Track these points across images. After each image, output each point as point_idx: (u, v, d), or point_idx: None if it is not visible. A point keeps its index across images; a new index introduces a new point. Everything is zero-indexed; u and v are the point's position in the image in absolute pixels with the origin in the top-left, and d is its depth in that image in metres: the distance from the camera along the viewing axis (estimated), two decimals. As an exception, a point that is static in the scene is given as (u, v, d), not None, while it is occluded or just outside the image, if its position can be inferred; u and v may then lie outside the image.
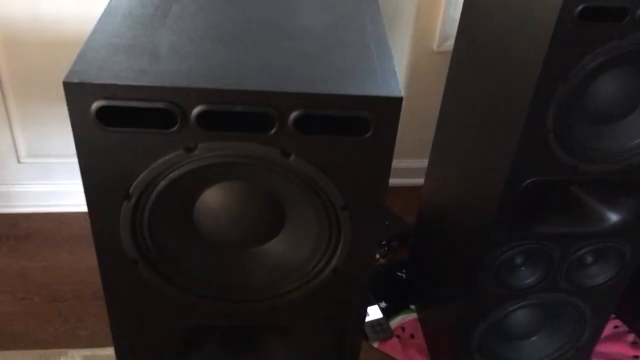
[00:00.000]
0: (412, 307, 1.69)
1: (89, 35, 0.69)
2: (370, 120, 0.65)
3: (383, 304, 1.69)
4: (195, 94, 0.63)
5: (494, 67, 1.19)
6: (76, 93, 0.62)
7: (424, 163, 1.62)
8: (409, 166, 1.82)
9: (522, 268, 1.30)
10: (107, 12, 0.75)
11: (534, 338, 1.45)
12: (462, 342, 1.40)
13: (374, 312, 1.65)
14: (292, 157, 0.68)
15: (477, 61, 1.28)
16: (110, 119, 0.65)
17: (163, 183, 0.69)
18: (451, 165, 1.45)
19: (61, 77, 0.62)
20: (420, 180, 1.67)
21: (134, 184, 0.69)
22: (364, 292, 0.83)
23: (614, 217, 1.24)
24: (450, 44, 1.44)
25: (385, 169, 0.70)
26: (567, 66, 0.98)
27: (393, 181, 2.15)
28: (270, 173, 0.70)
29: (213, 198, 0.74)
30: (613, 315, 1.70)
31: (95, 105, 0.63)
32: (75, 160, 0.67)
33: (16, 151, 1.77)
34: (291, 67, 0.68)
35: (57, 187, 1.77)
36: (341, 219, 0.74)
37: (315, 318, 0.84)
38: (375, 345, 1.59)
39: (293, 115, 0.64)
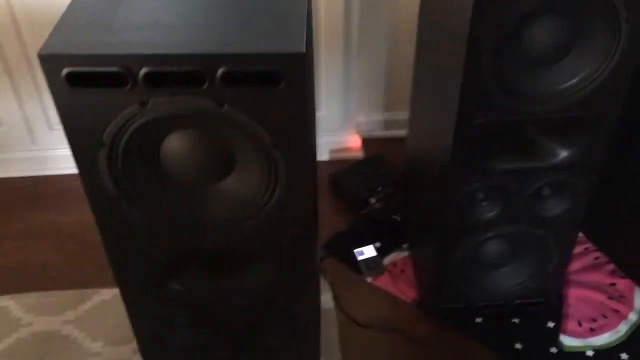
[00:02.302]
0: (405, 246, 1.84)
1: (60, 17, 0.86)
2: (280, 73, 0.80)
3: (378, 244, 1.85)
4: (140, 58, 0.80)
5: (444, 21, 1.31)
6: (48, 62, 0.80)
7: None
8: (404, 118, 1.96)
9: (485, 202, 1.43)
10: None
11: (506, 267, 1.59)
12: (441, 271, 1.56)
13: (368, 251, 1.82)
14: (225, 107, 0.84)
15: (432, 21, 1.40)
16: (83, 82, 0.82)
17: (128, 132, 0.87)
18: (423, 115, 1.58)
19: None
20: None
21: (105, 134, 0.87)
22: (308, 220, 0.99)
23: (563, 153, 1.36)
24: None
25: (303, 113, 0.85)
26: (498, 12, 1.10)
27: (390, 132, 2.30)
28: (213, 122, 0.87)
29: (173, 144, 0.91)
30: (595, 247, 1.82)
31: (64, 71, 0.80)
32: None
33: (47, 120, 1.99)
34: (218, 33, 0.84)
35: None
36: (275, 157, 0.90)
37: (269, 243, 1.01)
38: (369, 280, 1.76)
39: (219, 72, 0.80)
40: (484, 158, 1.35)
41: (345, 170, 2.02)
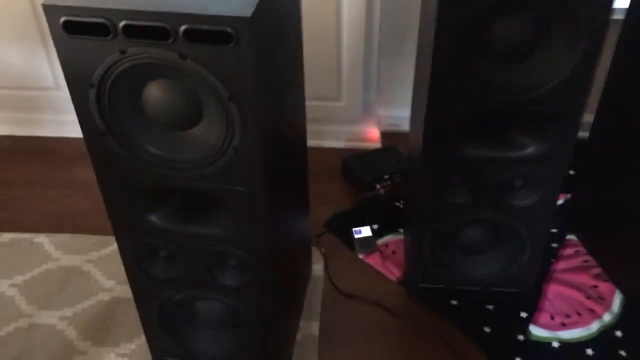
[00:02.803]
0: (400, 230, 1.96)
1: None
2: (230, 34, 0.96)
3: (375, 226, 1.98)
4: (119, 13, 0.97)
5: (427, 14, 1.43)
6: (49, 11, 0.99)
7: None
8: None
9: (458, 187, 1.53)
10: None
11: (483, 255, 1.68)
12: (417, 250, 1.67)
13: (365, 231, 1.95)
14: (188, 60, 1.01)
15: (423, 15, 1.52)
16: (77, 30, 1.01)
17: (112, 76, 1.05)
18: (416, 107, 1.70)
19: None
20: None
21: (94, 76, 1.06)
22: (260, 166, 1.14)
23: (533, 146, 1.44)
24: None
25: (254, 71, 1.00)
26: (465, 4, 1.22)
27: (404, 128, 2.41)
28: (179, 73, 1.04)
29: (151, 92, 1.09)
30: (586, 251, 1.87)
31: (62, 19, 0.99)
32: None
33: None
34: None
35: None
36: (230, 109, 1.06)
37: (230, 184, 1.17)
38: (361, 256, 1.89)
39: (181, 29, 0.97)
40: (456, 144, 1.46)
41: (357, 157, 2.16)
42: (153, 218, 1.28)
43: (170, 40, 0.99)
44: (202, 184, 1.18)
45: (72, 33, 1.01)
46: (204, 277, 1.35)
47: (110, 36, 1.00)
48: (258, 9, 0.99)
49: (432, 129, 1.42)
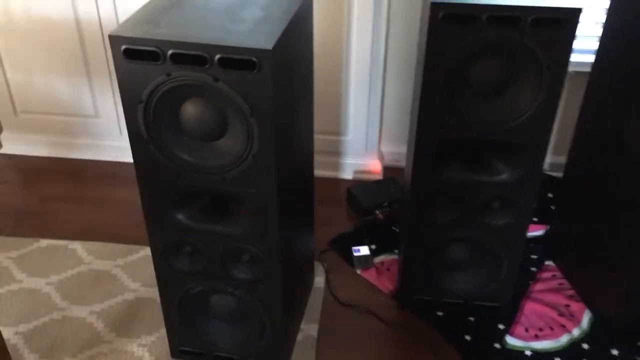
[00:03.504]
0: (396, 251, 2.18)
1: (131, 15, 1.34)
2: (255, 62, 1.22)
3: (373, 246, 2.20)
4: (168, 43, 1.24)
5: (419, 56, 1.69)
6: (113, 40, 1.26)
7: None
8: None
9: (442, 207, 1.76)
10: (149, 1, 1.40)
11: (466, 271, 1.89)
12: (407, 265, 1.89)
13: (364, 250, 2.17)
14: (220, 82, 1.27)
15: (417, 67, 1.78)
16: (134, 56, 1.27)
17: (159, 94, 1.31)
18: (409, 141, 1.94)
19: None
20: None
21: (143, 93, 1.32)
22: (272, 172, 1.38)
23: (507, 172, 1.67)
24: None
25: (270, 92, 1.26)
26: (443, 52, 1.48)
27: (403, 163, 2.64)
28: (212, 93, 1.29)
29: (188, 108, 1.35)
30: (562, 275, 2.08)
31: (122, 47, 1.26)
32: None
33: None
34: (220, 32, 1.27)
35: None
36: (251, 123, 1.31)
37: (248, 187, 1.41)
38: (358, 272, 2.11)
39: (216, 57, 1.23)
40: (441, 169, 1.69)
41: (361, 186, 2.40)
42: (180, 217, 1.52)
43: (207, 66, 1.25)
44: (224, 186, 1.43)
45: (130, 58, 1.28)
46: (221, 271, 1.58)
47: (160, 61, 1.27)
48: (278, 43, 1.25)
49: (421, 156, 1.66)
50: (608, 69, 1.81)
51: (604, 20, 1.83)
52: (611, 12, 1.78)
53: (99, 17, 2.35)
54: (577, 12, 1.41)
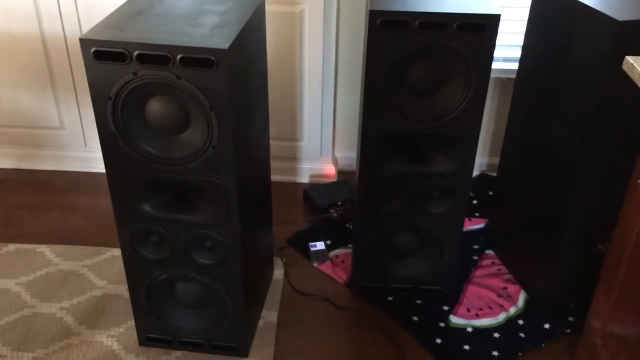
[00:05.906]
0: (350, 245, 2.34)
1: (99, 22, 1.49)
2: (213, 61, 1.38)
3: (329, 242, 2.35)
4: (134, 45, 1.39)
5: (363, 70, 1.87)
6: (84, 43, 1.40)
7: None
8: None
9: (388, 198, 1.93)
10: (115, 11, 1.55)
11: (412, 258, 2.06)
12: (358, 254, 2.04)
13: (319, 245, 2.32)
14: (182, 80, 1.42)
15: (362, 72, 1.96)
16: (103, 57, 1.42)
17: (125, 91, 1.46)
18: (358, 141, 2.11)
19: (80, 37, 1.40)
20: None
21: (112, 91, 1.46)
22: (231, 162, 1.53)
23: (444, 164, 1.86)
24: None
25: (228, 88, 1.41)
26: (381, 55, 1.66)
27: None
28: (175, 89, 1.44)
29: (153, 104, 1.49)
30: (500, 261, 2.26)
31: (93, 49, 1.41)
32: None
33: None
34: (182, 34, 1.43)
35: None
36: (211, 116, 1.46)
37: (208, 177, 1.55)
38: (315, 264, 2.26)
39: (178, 57, 1.39)
40: (385, 162, 1.87)
41: (316, 187, 2.56)
42: (147, 207, 1.65)
43: (170, 65, 1.41)
44: (188, 176, 1.57)
45: (99, 59, 1.43)
46: (185, 258, 1.71)
47: (127, 62, 1.42)
48: (233, 44, 1.41)
49: (367, 151, 1.84)
50: (530, 75, 2.02)
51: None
52: (530, 21, 2.00)
53: (64, 31, 2.48)
54: (496, 17, 1.61)
